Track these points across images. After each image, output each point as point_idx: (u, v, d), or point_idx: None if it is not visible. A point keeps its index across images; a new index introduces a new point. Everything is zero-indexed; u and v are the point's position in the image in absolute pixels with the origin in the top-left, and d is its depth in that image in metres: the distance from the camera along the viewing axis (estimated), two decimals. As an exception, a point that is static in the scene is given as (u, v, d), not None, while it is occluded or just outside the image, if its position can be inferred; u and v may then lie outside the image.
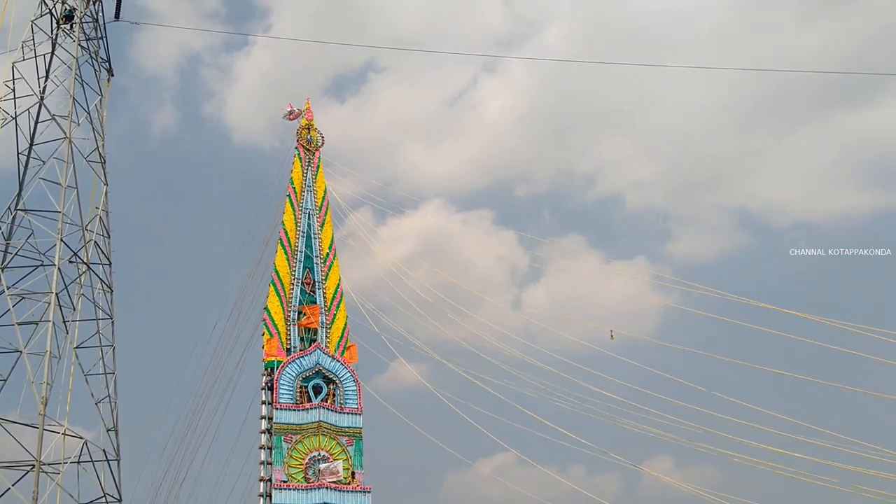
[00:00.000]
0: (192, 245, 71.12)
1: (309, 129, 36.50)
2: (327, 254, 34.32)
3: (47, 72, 31.51)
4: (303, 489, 28.94)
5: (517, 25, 78.02)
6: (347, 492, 29.46)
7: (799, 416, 26.49)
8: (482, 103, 79.03)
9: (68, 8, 32.82)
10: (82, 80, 32.29)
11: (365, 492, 29.79)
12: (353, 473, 30.02)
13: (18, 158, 30.36)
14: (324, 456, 29.78)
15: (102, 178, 32.23)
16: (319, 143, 36.47)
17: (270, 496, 28.97)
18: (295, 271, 33.23)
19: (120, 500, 28.95)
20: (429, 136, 78.46)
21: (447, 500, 59.53)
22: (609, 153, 74.76)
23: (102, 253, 31.39)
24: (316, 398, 30.74)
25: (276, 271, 32.82)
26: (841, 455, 25.07)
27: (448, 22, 76.77)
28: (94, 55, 33.55)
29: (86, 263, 30.16)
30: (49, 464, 26.46)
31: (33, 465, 25.76)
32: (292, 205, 34.57)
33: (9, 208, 29.69)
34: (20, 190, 30.00)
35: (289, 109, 36.68)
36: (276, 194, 35.70)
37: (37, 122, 30.82)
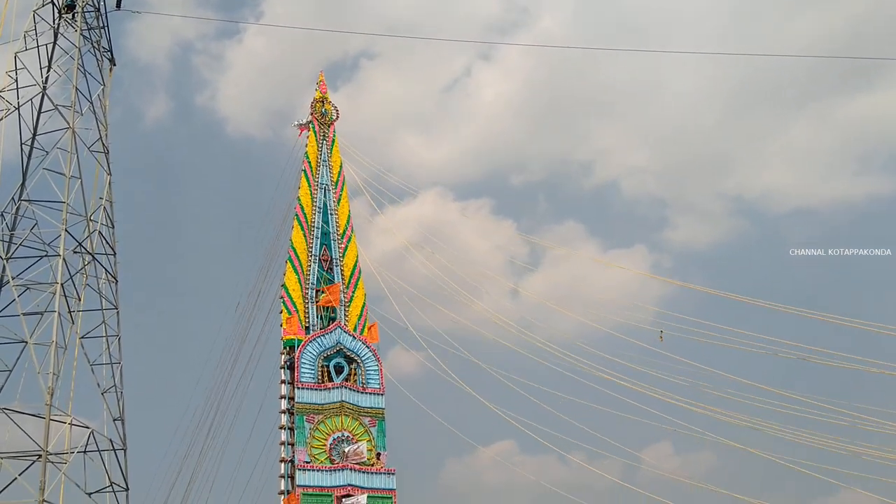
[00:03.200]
0: (191, 234, 71.31)
1: (323, 101, 35.72)
2: (344, 230, 33.70)
3: (49, 61, 31.35)
4: (327, 470, 28.61)
5: (511, 12, 77.84)
6: (372, 473, 29.22)
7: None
8: (477, 91, 78.91)
9: (70, -3, 32.68)
10: (84, 70, 32.19)
11: (389, 473, 29.59)
12: (377, 455, 29.80)
13: (22, 149, 30.30)
14: (346, 436, 29.52)
15: (106, 168, 32.15)
16: (334, 117, 35.70)
17: (293, 477, 28.68)
18: (312, 248, 32.70)
19: (127, 489, 29.01)
20: (423, 125, 78.41)
21: (447, 486, 60.01)
22: (605, 140, 74.81)
23: (107, 243, 31.35)
24: (337, 378, 30.39)
25: (293, 248, 32.33)
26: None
27: (441, 8, 76.49)
28: (95, 45, 33.41)
29: (90, 253, 30.11)
30: (56, 453, 26.50)
31: (40, 455, 25.81)
32: (308, 180, 33.88)
33: (13, 199, 29.63)
34: (24, 180, 29.95)
35: (295, 125, 35.81)
36: (291, 173, 35.20)
37: (39, 112, 30.71)
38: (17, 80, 30.63)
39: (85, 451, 27.57)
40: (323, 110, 35.57)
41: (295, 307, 31.34)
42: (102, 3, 34.18)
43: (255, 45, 75.34)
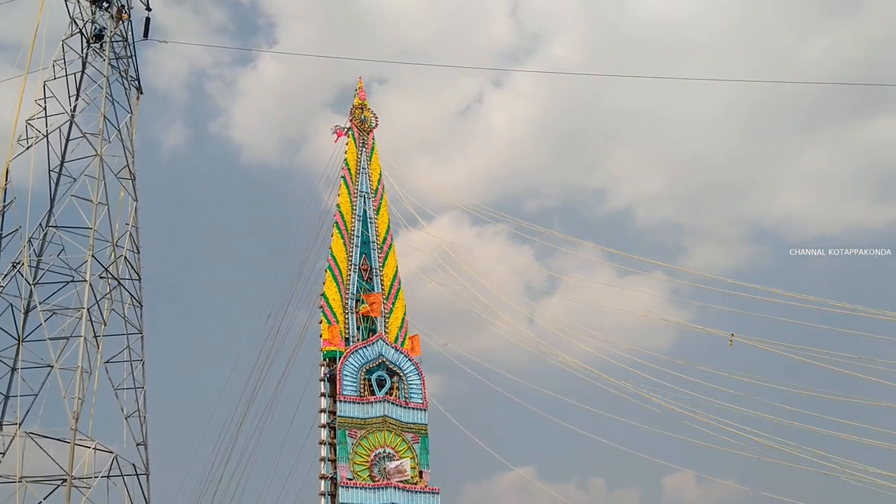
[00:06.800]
0: (212, 260, 71.52)
1: (362, 108, 35.14)
2: (384, 239, 32.96)
3: (78, 90, 31.95)
4: (370, 488, 27.59)
5: (523, 38, 77.94)
6: (416, 492, 28.17)
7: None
8: (488, 117, 78.77)
9: (98, 27, 33.30)
10: (112, 98, 32.73)
11: (434, 493, 28.48)
12: (420, 472, 28.79)
13: (50, 176, 30.81)
14: (389, 453, 28.56)
15: (132, 195, 32.53)
16: (374, 124, 35.06)
17: (333, 495, 27.69)
18: (352, 256, 31.88)
19: (149, 515, 29.05)
20: (436, 150, 77.93)
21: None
22: (618, 166, 74.33)
23: (132, 268, 31.63)
24: (379, 391, 29.41)
25: (333, 256, 31.48)
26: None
27: (452, 35, 76.63)
28: (123, 73, 33.99)
29: (116, 279, 30.40)
30: (80, 478, 26.59)
31: (64, 480, 25.90)
32: (347, 187, 33.18)
33: (40, 225, 30.06)
34: (51, 206, 30.41)
35: (333, 129, 35.41)
36: (322, 180, 34.72)
37: (68, 140, 31.29)
38: (45, 109, 31.19)
39: (108, 476, 27.64)
40: (362, 117, 34.90)
41: (335, 317, 30.32)
42: (130, 33, 34.85)
43: (268, 72, 76.27)
